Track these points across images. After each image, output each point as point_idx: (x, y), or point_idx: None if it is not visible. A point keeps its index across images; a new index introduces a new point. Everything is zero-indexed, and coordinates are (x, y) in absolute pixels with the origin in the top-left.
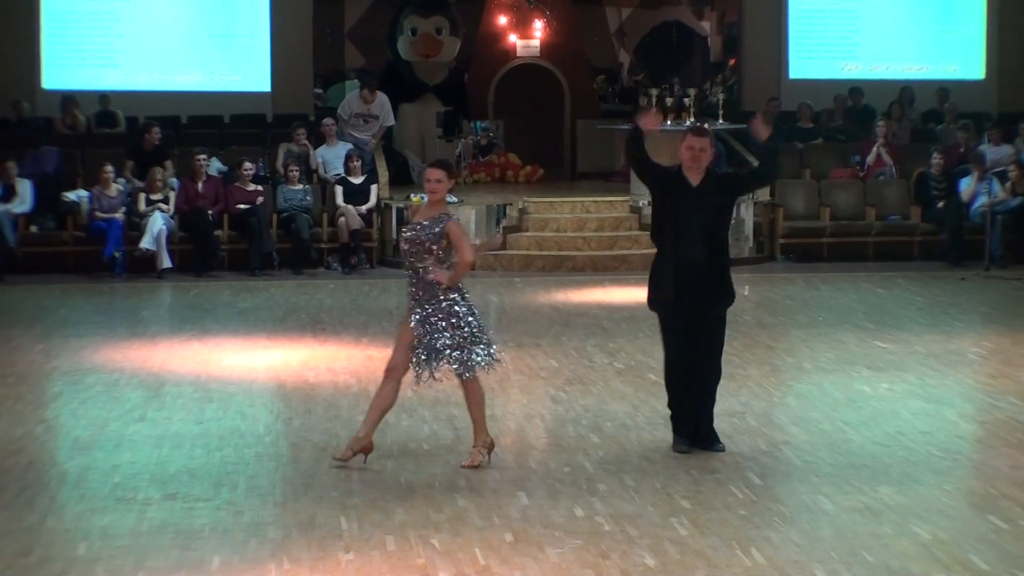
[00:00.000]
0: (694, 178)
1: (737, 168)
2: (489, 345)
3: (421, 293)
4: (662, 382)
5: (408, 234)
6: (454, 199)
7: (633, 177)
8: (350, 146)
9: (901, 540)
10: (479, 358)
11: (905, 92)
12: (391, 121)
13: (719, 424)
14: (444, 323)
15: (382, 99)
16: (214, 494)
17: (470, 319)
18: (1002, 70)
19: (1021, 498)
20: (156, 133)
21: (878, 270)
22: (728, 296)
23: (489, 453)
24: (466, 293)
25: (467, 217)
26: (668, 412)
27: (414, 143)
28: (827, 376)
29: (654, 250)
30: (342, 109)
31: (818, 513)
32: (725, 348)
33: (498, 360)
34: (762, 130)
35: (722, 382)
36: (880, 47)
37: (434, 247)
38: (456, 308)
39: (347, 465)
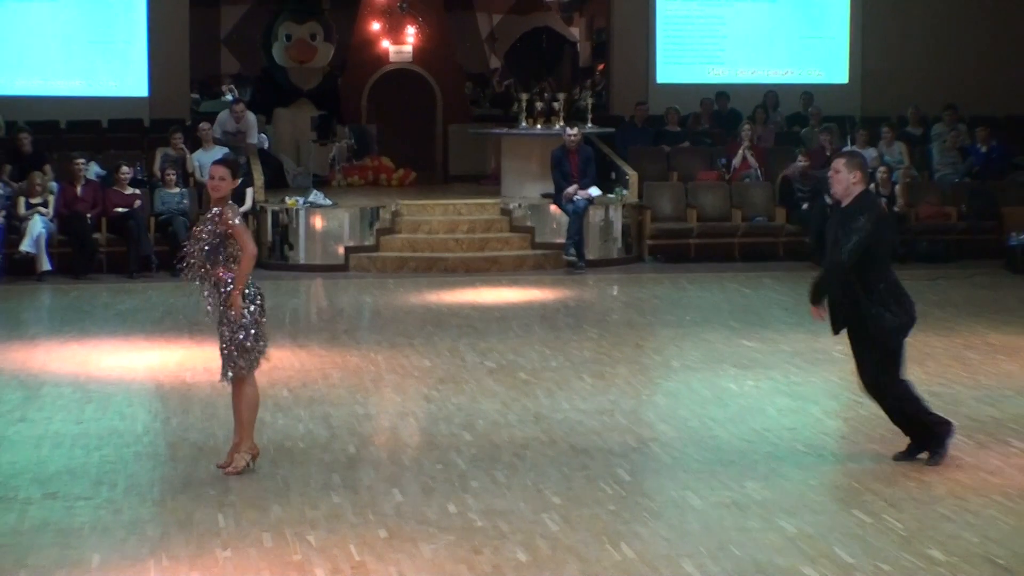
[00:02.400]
0: None
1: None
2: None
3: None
4: (532, 380)
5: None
6: (328, 201)
7: (504, 179)
8: (226, 150)
9: (768, 534)
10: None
11: (769, 96)
12: (254, 139)
13: (589, 421)
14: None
15: (250, 117)
16: (94, 493)
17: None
18: (865, 75)
19: (884, 492)
20: (26, 139)
21: (744, 270)
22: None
23: (253, 460)
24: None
25: (341, 219)
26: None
27: (289, 147)
28: (694, 374)
29: (524, 251)
30: (215, 129)
31: (686, 508)
32: (594, 346)
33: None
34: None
35: (591, 381)
36: (746, 52)
37: (220, 248)
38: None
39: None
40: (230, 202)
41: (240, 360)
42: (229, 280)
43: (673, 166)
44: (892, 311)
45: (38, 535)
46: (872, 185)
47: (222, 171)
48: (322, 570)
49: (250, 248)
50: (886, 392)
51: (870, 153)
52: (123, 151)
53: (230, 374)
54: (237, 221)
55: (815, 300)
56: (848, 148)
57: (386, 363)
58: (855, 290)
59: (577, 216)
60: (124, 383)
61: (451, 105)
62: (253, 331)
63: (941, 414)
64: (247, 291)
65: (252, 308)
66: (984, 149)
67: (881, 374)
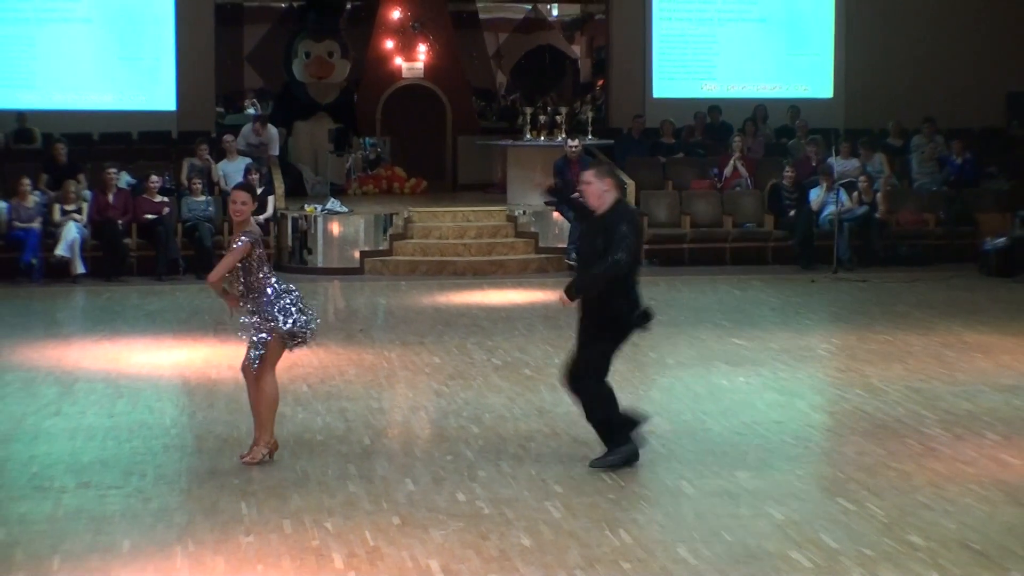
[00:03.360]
0: None
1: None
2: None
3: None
4: (536, 376)
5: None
6: (344, 208)
7: (509, 188)
8: (249, 160)
9: (757, 521)
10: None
11: (759, 109)
12: (275, 151)
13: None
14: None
15: (271, 131)
16: (124, 482)
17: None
18: (849, 90)
19: (867, 482)
20: (61, 149)
21: (735, 273)
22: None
23: (271, 454)
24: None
25: (356, 225)
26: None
27: (308, 158)
28: (688, 371)
29: (529, 255)
30: (239, 141)
31: (680, 496)
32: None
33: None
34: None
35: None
36: (736, 69)
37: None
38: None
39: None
40: (250, 231)
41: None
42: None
43: (668, 176)
44: (631, 310)
45: (72, 522)
46: (855, 193)
47: (244, 196)
48: (339, 555)
49: (220, 270)
50: (583, 389)
51: (852, 163)
52: (152, 162)
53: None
54: (237, 244)
55: (572, 297)
56: (831, 159)
57: (399, 360)
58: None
59: (578, 223)
60: (153, 379)
61: (460, 118)
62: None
63: (636, 432)
64: (279, 286)
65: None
66: (959, 160)
67: (587, 372)
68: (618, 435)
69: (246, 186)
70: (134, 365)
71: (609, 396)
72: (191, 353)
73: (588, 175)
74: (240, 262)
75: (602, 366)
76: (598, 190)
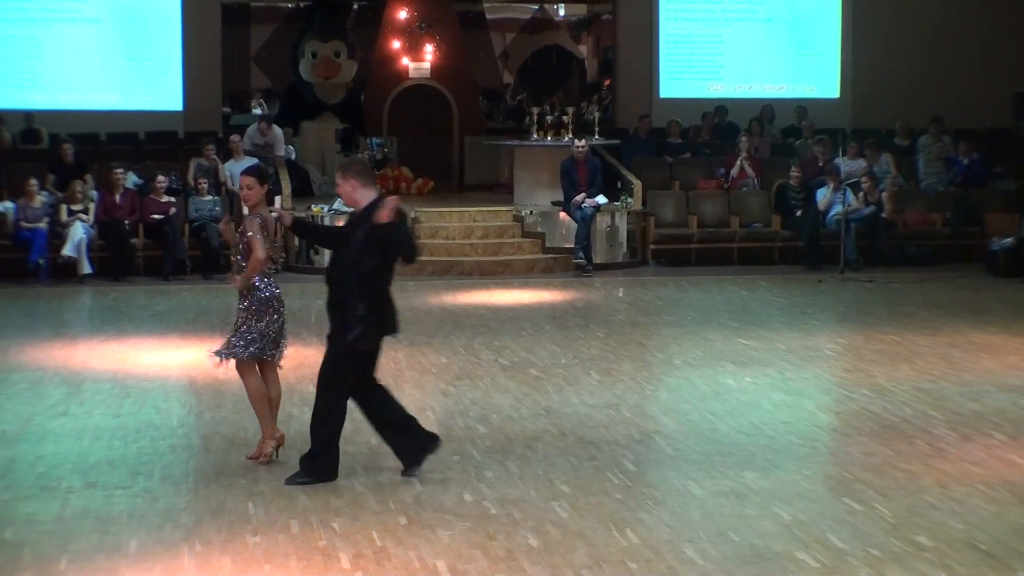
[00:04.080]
0: None
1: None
2: (249, 345)
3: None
4: (543, 377)
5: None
6: (351, 209)
7: (516, 188)
8: (255, 160)
9: (764, 521)
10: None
11: (765, 110)
12: (282, 152)
13: (596, 415)
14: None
15: (276, 131)
16: (131, 482)
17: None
18: (855, 90)
19: (874, 482)
20: (68, 150)
21: (742, 273)
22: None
23: (278, 449)
24: (263, 293)
25: None
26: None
27: (315, 158)
28: (695, 371)
29: (536, 255)
30: (244, 141)
31: (688, 496)
32: (601, 344)
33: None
34: (383, 215)
35: (598, 377)
36: (743, 69)
37: (240, 247)
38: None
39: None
40: (259, 213)
41: (239, 344)
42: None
43: (675, 176)
44: (368, 324)
45: (79, 522)
46: (861, 194)
47: (249, 180)
48: (346, 555)
49: (258, 254)
50: (319, 397)
51: (859, 164)
52: (159, 162)
53: (222, 352)
54: (252, 233)
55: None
56: (837, 159)
57: (406, 360)
58: (345, 293)
59: (585, 222)
60: (160, 379)
61: (467, 118)
62: (262, 332)
63: (333, 460)
64: (266, 294)
65: (276, 317)
66: (966, 161)
67: (325, 382)
68: (323, 457)
69: (250, 169)
70: (141, 365)
71: (339, 413)
72: (198, 353)
73: (336, 177)
74: (242, 244)
75: (344, 378)
76: (346, 191)
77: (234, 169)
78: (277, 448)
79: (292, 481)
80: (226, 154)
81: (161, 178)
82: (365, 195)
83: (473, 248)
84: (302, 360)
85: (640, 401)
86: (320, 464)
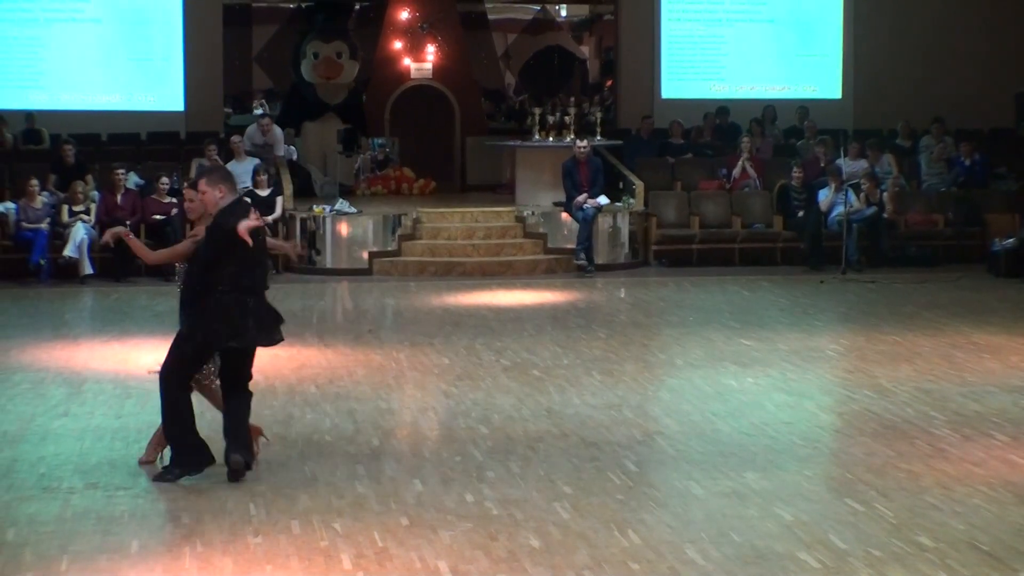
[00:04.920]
0: None
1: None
2: None
3: None
4: (545, 377)
5: None
6: (353, 209)
7: (518, 189)
8: (257, 161)
9: (766, 522)
10: None
11: (767, 110)
12: (281, 151)
13: (598, 416)
14: None
15: (277, 132)
16: (133, 483)
17: None
18: (857, 90)
19: (876, 483)
20: (69, 150)
21: (743, 274)
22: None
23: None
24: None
25: (365, 226)
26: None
27: (316, 158)
28: (697, 371)
29: (537, 256)
30: (244, 141)
31: (689, 497)
32: (603, 345)
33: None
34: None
35: (600, 377)
36: (745, 69)
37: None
38: None
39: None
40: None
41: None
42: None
43: (677, 176)
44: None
45: (80, 522)
46: (862, 194)
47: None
48: (347, 555)
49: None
50: (162, 391)
51: (860, 164)
52: (160, 162)
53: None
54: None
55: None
56: (839, 160)
57: (408, 361)
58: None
59: (587, 223)
60: None
61: (468, 119)
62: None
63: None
64: None
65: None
66: (968, 162)
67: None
68: (186, 453)
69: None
70: (143, 366)
71: (185, 406)
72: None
73: (201, 184)
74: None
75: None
76: (213, 198)
77: (236, 170)
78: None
79: (159, 477)
80: (227, 155)
81: (165, 179)
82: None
83: (475, 249)
84: (304, 361)
85: (642, 402)
86: (180, 455)
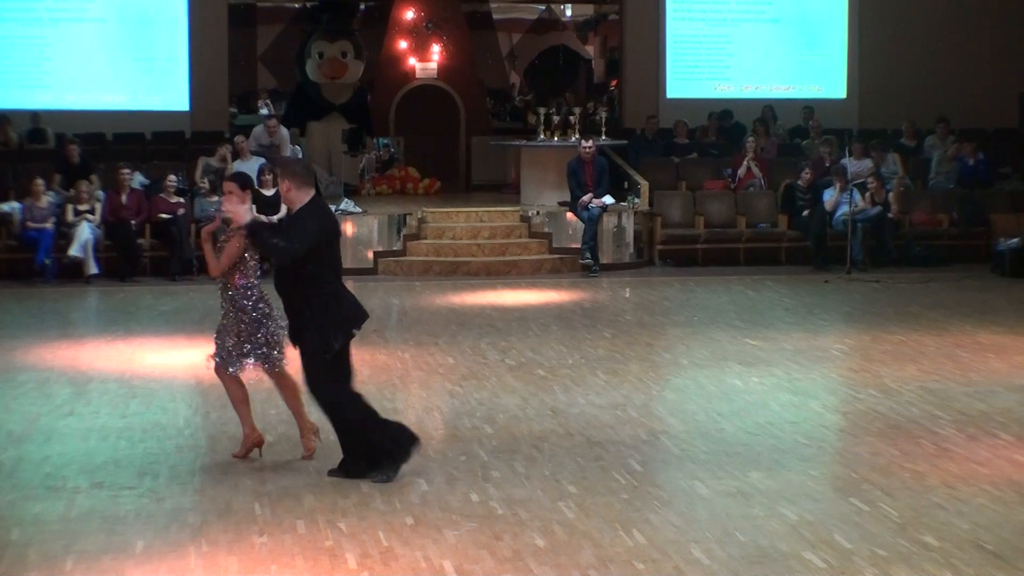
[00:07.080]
0: None
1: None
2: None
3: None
4: (549, 377)
5: None
6: (358, 209)
7: (523, 188)
8: (263, 161)
9: (771, 521)
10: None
11: (766, 110)
12: (288, 152)
13: (603, 415)
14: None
15: (283, 132)
16: (138, 482)
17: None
18: (862, 90)
19: (881, 482)
20: (74, 150)
21: (748, 274)
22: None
23: (316, 435)
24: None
25: (370, 226)
26: (570, 408)
27: (322, 158)
28: (702, 371)
29: (542, 256)
30: (250, 142)
31: (694, 497)
32: (607, 344)
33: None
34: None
35: (605, 377)
36: (750, 69)
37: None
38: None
39: (247, 459)
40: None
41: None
42: (241, 285)
43: (682, 176)
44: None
45: (85, 522)
46: (867, 194)
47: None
48: (352, 555)
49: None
50: (318, 397)
51: (865, 164)
52: (166, 162)
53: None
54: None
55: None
56: (844, 159)
57: (413, 361)
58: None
59: (592, 223)
60: (166, 380)
61: (473, 119)
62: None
63: (401, 433)
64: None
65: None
66: (971, 162)
67: (311, 377)
68: (383, 443)
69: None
70: (147, 366)
71: (348, 399)
72: (205, 354)
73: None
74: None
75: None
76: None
77: (242, 169)
78: (253, 448)
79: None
80: (233, 155)
81: (172, 178)
82: (300, 197)
83: (480, 248)
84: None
85: (647, 401)
86: (384, 451)
